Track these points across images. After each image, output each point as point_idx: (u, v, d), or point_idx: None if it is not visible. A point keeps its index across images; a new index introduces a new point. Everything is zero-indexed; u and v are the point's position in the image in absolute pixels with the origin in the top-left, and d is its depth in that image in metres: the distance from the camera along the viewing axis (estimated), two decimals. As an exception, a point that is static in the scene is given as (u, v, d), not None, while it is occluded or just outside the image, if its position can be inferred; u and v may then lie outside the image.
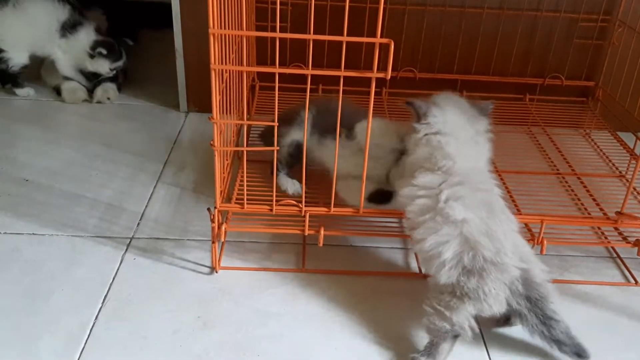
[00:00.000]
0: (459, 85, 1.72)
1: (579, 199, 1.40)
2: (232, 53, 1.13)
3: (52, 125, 1.64)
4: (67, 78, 1.78)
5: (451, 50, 1.69)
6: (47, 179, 1.38)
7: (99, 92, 1.77)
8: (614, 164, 1.57)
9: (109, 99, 1.77)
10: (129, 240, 1.21)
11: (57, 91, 1.78)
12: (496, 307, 0.94)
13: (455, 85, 1.71)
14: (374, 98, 1.66)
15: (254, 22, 1.61)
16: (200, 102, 1.72)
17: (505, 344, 1.02)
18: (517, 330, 1.04)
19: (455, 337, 0.96)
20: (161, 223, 1.26)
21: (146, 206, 1.31)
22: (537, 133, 1.67)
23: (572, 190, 1.43)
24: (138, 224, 1.26)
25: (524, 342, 1.02)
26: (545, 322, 0.94)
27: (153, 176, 1.42)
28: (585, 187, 1.42)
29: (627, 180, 1.50)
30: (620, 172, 1.53)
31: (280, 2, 1.62)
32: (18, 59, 1.74)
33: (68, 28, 1.73)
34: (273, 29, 1.65)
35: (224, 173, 1.18)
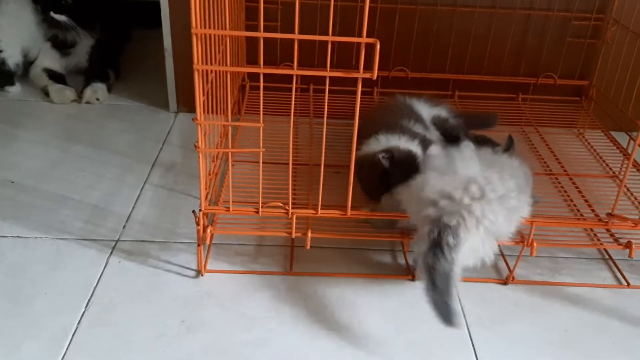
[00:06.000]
0: (451, 84, 1.70)
1: (571, 200, 1.38)
2: (219, 53, 1.12)
3: (40, 126, 1.62)
4: (53, 77, 1.77)
5: (443, 49, 1.67)
6: (33, 181, 1.36)
7: (87, 92, 1.75)
8: (607, 164, 1.55)
9: (98, 99, 1.75)
10: (115, 243, 1.19)
11: (46, 92, 1.76)
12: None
13: (447, 85, 1.70)
14: (366, 98, 1.68)
15: (243, 21, 1.59)
16: (190, 102, 1.70)
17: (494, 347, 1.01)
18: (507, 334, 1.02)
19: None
20: (147, 225, 1.24)
21: (133, 208, 1.29)
22: (529, 133, 1.65)
23: (565, 191, 1.41)
24: (124, 226, 1.24)
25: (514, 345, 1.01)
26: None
27: (141, 177, 1.40)
28: (577, 187, 1.41)
29: (620, 181, 1.49)
30: (613, 172, 1.51)
31: (269, 1, 1.61)
32: (15, 57, 1.79)
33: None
34: (262, 28, 1.65)
35: (210, 175, 1.17)
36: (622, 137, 1.57)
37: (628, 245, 1.10)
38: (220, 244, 1.20)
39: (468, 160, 1.08)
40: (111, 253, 1.16)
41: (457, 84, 1.70)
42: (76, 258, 1.15)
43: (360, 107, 1.62)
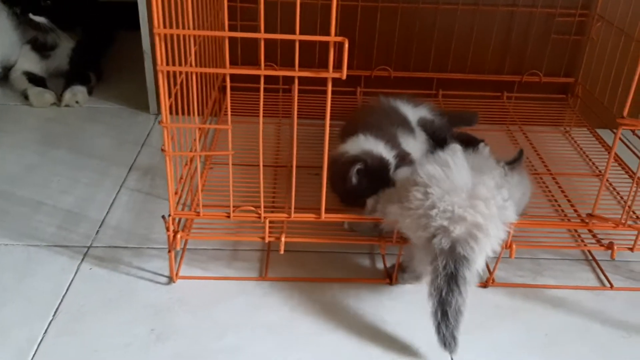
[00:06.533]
0: (434, 83, 1.68)
1: (555, 200, 1.36)
2: (190, 55, 1.09)
3: (18, 130, 1.60)
4: (33, 80, 1.75)
5: (426, 48, 1.65)
6: (7, 186, 1.34)
7: (67, 95, 1.72)
8: (593, 163, 1.53)
9: (77, 102, 1.73)
10: (87, 249, 1.16)
11: (25, 96, 1.74)
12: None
13: (431, 83, 1.68)
14: (349, 98, 1.66)
15: (223, 20, 1.56)
16: (170, 104, 1.67)
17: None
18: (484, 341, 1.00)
19: None
20: (121, 231, 1.22)
21: (107, 213, 1.27)
22: (515, 131, 1.63)
23: (550, 191, 1.39)
24: (97, 232, 1.21)
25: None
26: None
27: (117, 181, 1.38)
28: (560, 187, 1.38)
29: (607, 180, 1.46)
30: (600, 170, 1.49)
31: (250, 0, 1.58)
32: None
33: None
34: (243, 28, 1.63)
35: (183, 178, 1.14)
36: (608, 135, 1.55)
37: (610, 246, 1.08)
38: (195, 249, 1.18)
39: (461, 169, 1.03)
40: (82, 259, 1.14)
41: (440, 82, 1.67)
42: (47, 265, 1.12)
43: (343, 107, 1.63)
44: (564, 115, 1.68)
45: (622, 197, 1.37)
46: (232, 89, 1.63)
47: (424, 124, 1.38)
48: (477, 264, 0.95)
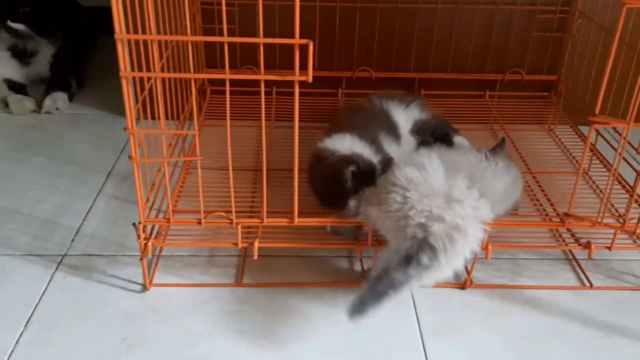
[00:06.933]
0: (416, 83, 1.67)
1: (537, 200, 1.34)
2: (160, 59, 1.08)
3: (-4, 137, 1.59)
4: (13, 87, 1.74)
5: (406, 48, 1.64)
6: (-17, 195, 1.33)
7: (47, 102, 1.71)
8: (577, 161, 1.51)
9: (58, 109, 1.71)
10: (61, 257, 1.15)
11: (5, 103, 1.73)
12: None
13: (413, 83, 1.66)
14: (331, 100, 1.64)
15: (199, 24, 1.56)
16: (151, 109, 1.66)
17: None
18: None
19: None
20: (96, 238, 1.21)
21: (83, 221, 1.26)
22: (498, 130, 1.62)
23: (532, 190, 1.38)
24: (72, 240, 1.20)
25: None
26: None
27: (94, 188, 1.37)
28: (539, 186, 1.37)
29: (590, 178, 1.45)
30: (583, 168, 1.47)
31: (226, 2, 1.57)
32: None
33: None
34: (220, 31, 1.61)
35: (155, 184, 1.13)
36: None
37: (587, 245, 1.07)
38: (170, 255, 1.16)
39: (437, 171, 1.03)
40: (57, 268, 1.12)
41: (422, 82, 1.66)
42: (20, 274, 1.11)
43: (325, 108, 1.61)
44: (547, 113, 1.67)
45: (605, 195, 1.35)
46: (213, 92, 1.63)
47: (421, 126, 1.36)
48: (455, 265, 0.95)
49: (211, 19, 1.55)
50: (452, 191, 0.97)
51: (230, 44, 0.91)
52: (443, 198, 0.97)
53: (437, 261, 0.91)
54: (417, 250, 0.91)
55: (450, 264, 0.93)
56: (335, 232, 1.15)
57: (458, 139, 1.35)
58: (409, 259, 0.91)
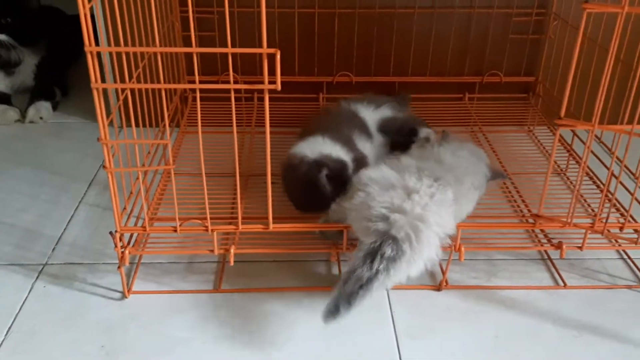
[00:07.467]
0: (396, 87, 1.68)
1: (514, 201, 1.36)
2: (136, 69, 1.10)
3: (-21, 148, 1.60)
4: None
5: (385, 52, 1.65)
6: (-35, 206, 1.34)
7: (30, 111, 1.72)
8: (555, 161, 1.53)
9: (41, 118, 1.73)
10: (42, 267, 1.16)
11: (-11, 114, 1.74)
12: None
13: (393, 87, 1.68)
14: (312, 105, 1.66)
15: (179, 31, 1.57)
16: (135, 117, 1.67)
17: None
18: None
19: None
20: (77, 247, 1.22)
21: (65, 229, 1.27)
22: (477, 132, 1.63)
23: (509, 192, 1.39)
24: (53, 249, 1.21)
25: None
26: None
27: (76, 197, 1.38)
28: (515, 187, 1.39)
29: (567, 178, 1.47)
30: (561, 169, 1.50)
31: (206, 11, 1.59)
32: None
33: None
34: (198, 39, 1.63)
35: (132, 193, 1.14)
36: (568, 133, 1.55)
37: (559, 245, 1.08)
38: (150, 262, 1.18)
39: (402, 168, 1.06)
40: (37, 278, 1.14)
41: (402, 86, 1.68)
42: (1, 285, 1.12)
43: (306, 113, 1.63)
44: (526, 114, 1.69)
45: (582, 196, 1.37)
46: (193, 99, 1.64)
47: (386, 124, 1.38)
48: (425, 257, 0.97)
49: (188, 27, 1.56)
50: (407, 183, 1.01)
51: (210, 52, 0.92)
52: (402, 190, 1.00)
53: (401, 252, 0.93)
54: (380, 243, 0.93)
55: (419, 255, 0.95)
56: (324, 235, 1.17)
57: (423, 132, 1.36)
58: (373, 253, 0.93)
